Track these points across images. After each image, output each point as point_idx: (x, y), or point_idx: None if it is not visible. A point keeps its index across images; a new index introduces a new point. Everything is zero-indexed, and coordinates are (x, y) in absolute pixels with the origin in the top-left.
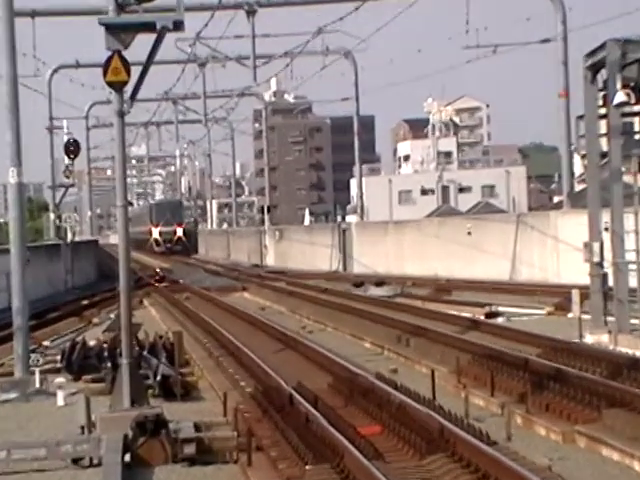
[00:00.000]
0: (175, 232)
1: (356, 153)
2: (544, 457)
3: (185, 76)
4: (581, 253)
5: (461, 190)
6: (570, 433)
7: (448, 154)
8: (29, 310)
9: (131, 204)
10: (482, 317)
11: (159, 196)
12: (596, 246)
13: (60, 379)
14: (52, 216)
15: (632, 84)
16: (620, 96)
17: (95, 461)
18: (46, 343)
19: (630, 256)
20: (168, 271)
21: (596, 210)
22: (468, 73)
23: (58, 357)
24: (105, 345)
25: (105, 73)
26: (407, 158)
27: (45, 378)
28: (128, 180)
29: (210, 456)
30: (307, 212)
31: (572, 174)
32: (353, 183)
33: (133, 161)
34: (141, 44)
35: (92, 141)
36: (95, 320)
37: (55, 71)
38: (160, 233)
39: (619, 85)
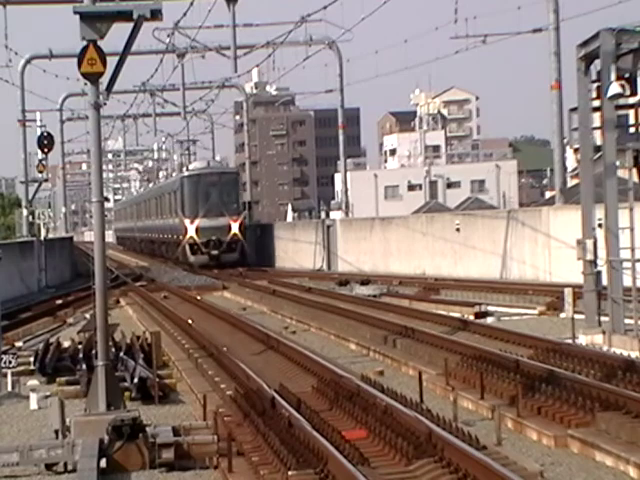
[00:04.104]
0: (228, 229)
1: (341, 147)
2: (536, 462)
3: (163, 67)
4: (574, 250)
5: (449, 185)
6: (563, 437)
7: (436, 148)
8: (0, 310)
9: (107, 199)
10: (471, 317)
11: (196, 163)
12: (589, 243)
13: (33, 381)
14: (25, 212)
15: (627, 75)
16: (614, 88)
17: (70, 467)
18: (19, 344)
19: (624, 254)
20: (145, 269)
21: (589, 206)
22: (457, 64)
23: (31, 359)
24: (80, 346)
25: (80, 64)
26: (393, 152)
27: (17, 380)
28: (104, 175)
29: (189, 461)
30: (290, 208)
31: (565, 169)
32: (337, 178)
33: (109, 155)
34: (117, 34)
35: (66, 134)
36: (70, 320)
37: (28, 62)
38: (199, 231)
39: (613, 76)
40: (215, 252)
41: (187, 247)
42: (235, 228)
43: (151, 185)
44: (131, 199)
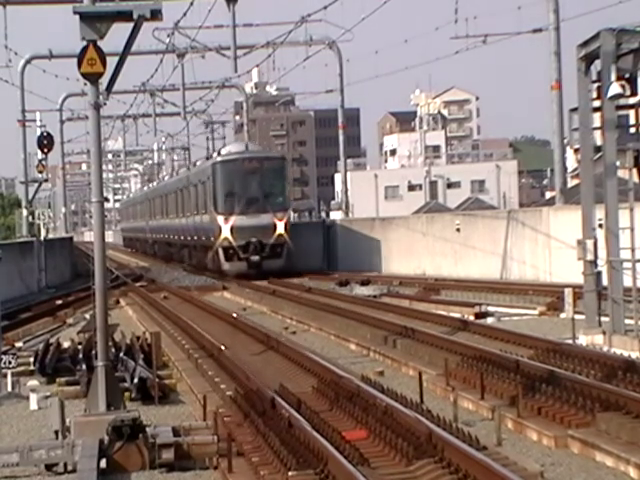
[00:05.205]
0: (274, 228)
1: (341, 147)
2: (536, 463)
3: (163, 67)
4: (574, 251)
5: (450, 185)
6: (563, 438)
7: (436, 148)
8: (0, 310)
9: (107, 200)
10: (472, 317)
11: (230, 147)
12: (589, 244)
13: (33, 382)
14: (25, 212)
15: (627, 75)
16: (615, 88)
17: (69, 467)
18: (19, 344)
19: (625, 254)
20: (145, 270)
21: (590, 206)
22: (457, 64)
23: (31, 359)
24: (80, 346)
25: (80, 64)
26: (394, 152)
27: (17, 381)
28: (104, 175)
29: (189, 462)
30: None
31: (565, 169)
32: (337, 178)
33: (109, 155)
34: (117, 34)
35: (66, 134)
36: (69, 320)
37: (28, 62)
38: (235, 231)
39: (614, 76)
40: (255, 258)
41: (220, 251)
42: (281, 228)
43: (167, 178)
44: (142, 194)
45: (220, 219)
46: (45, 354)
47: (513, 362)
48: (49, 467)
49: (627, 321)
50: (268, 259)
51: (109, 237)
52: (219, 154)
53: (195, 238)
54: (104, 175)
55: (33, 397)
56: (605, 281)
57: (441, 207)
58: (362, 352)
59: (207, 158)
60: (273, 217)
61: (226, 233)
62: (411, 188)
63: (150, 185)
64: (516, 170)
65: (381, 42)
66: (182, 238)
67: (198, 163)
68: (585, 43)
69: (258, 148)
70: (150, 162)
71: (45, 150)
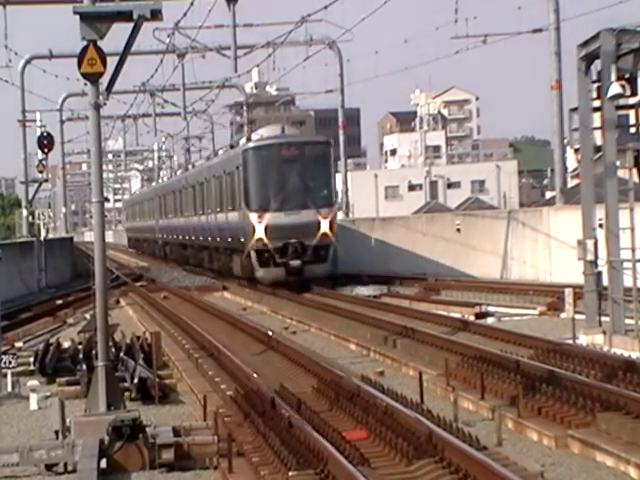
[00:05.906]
0: (317, 227)
1: (341, 147)
2: (536, 463)
3: (163, 67)
4: (574, 251)
5: (450, 185)
6: (563, 438)
7: (436, 148)
8: (0, 310)
9: (107, 200)
10: (472, 317)
11: (263, 130)
12: (590, 244)
13: (33, 382)
14: (25, 212)
15: (627, 75)
16: (615, 88)
17: (70, 467)
18: (19, 344)
19: (625, 254)
20: (145, 269)
21: (590, 206)
22: (457, 64)
23: (31, 359)
24: (80, 346)
25: (80, 64)
26: (394, 152)
27: (17, 381)
28: (104, 175)
29: (189, 462)
30: None
31: (565, 169)
32: (338, 178)
33: (109, 155)
34: (117, 34)
35: (66, 134)
36: (70, 320)
37: (28, 62)
38: (270, 230)
39: (614, 76)
40: (295, 263)
41: (253, 255)
42: (325, 227)
43: (179, 172)
44: (150, 190)
45: (253, 217)
46: (45, 354)
47: (513, 362)
48: (49, 467)
49: (627, 321)
50: (310, 264)
51: (109, 237)
52: (249, 139)
53: (218, 240)
54: (104, 175)
55: (33, 397)
56: (605, 281)
57: (441, 207)
58: (362, 352)
59: (231, 146)
60: (316, 214)
61: (260, 233)
62: (411, 188)
63: (160, 180)
64: (516, 170)
65: (381, 42)
66: (201, 239)
67: (220, 152)
68: (585, 43)
69: (296, 131)
70: (151, 162)
71: (45, 150)
